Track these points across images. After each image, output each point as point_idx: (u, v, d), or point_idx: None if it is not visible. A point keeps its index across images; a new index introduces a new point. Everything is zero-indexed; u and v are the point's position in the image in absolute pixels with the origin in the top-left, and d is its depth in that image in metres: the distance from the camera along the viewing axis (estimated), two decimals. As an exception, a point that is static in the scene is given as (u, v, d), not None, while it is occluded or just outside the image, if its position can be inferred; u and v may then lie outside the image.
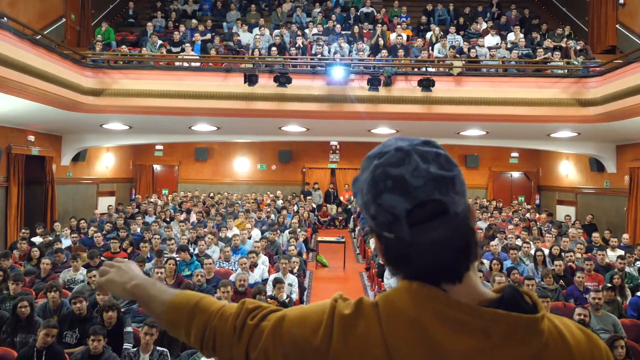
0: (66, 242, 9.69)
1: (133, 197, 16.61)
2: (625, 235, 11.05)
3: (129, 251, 9.23)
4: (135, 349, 5.10)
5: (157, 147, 17.91)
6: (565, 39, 13.12)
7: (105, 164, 15.10)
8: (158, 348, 5.07)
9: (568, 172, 16.42)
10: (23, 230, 9.96)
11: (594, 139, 12.82)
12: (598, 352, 0.93)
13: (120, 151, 16.08)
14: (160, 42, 12.21)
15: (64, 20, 12.42)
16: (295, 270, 8.51)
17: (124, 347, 5.42)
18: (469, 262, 0.93)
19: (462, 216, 0.91)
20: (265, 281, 8.05)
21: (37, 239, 9.60)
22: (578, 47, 12.78)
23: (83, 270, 7.60)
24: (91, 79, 10.16)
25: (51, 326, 4.84)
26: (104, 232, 10.47)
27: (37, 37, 8.91)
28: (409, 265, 0.93)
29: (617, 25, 13.51)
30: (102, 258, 8.04)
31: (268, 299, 6.59)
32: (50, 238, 9.75)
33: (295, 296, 7.91)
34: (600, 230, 11.95)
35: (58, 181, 12.27)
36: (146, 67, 10.96)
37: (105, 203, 14.46)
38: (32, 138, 11.14)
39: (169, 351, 5.14)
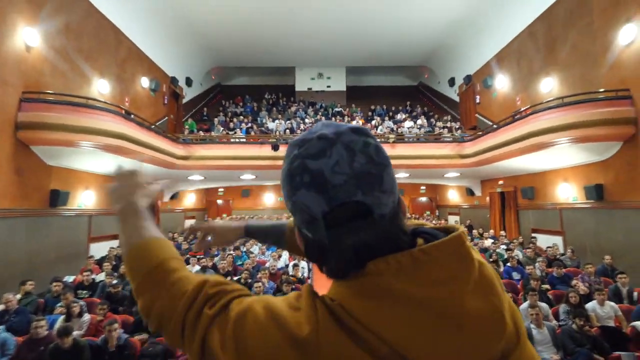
0: (167, 246, 8.98)
1: (206, 219, 15.90)
2: (491, 231, 10.84)
3: (202, 250, 8.55)
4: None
5: (220, 189, 17.38)
6: (449, 122, 13.03)
7: (189, 200, 14.53)
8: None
9: (454, 196, 16.13)
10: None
11: (469, 177, 12.62)
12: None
13: (197, 192, 15.50)
14: (222, 128, 11.85)
15: (166, 118, 11.98)
16: (305, 259, 7.91)
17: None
18: None
19: (390, 216, 0.48)
20: (287, 266, 7.44)
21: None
22: (457, 126, 12.73)
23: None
24: (182, 150, 9.99)
25: None
26: (188, 240, 9.82)
27: (152, 127, 8.49)
28: (330, 266, 0.50)
29: (476, 114, 13.47)
30: (187, 256, 7.39)
31: (290, 277, 5.97)
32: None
33: (306, 274, 7.32)
34: (476, 229, 11.51)
35: (162, 211, 11.71)
36: (214, 142, 10.66)
37: (188, 223, 13.75)
38: (147, 186, 10.56)
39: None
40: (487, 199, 12.37)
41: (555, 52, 8.91)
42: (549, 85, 9.13)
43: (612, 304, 4.43)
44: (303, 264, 7.61)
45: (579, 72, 8.11)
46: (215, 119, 13.47)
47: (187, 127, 12.26)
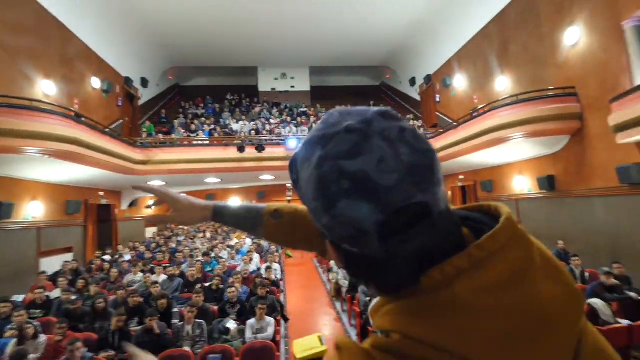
0: (127, 257, 8.54)
1: (168, 226, 15.21)
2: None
3: (168, 258, 8.22)
4: (181, 323, 4.27)
5: (182, 194, 16.70)
6: (412, 121, 13.45)
7: (150, 207, 13.81)
8: (197, 320, 4.26)
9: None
10: (97, 252, 8.83)
11: (432, 173, 13.03)
12: None
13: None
14: (182, 130, 11.42)
15: (121, 121, 11.37)
16: (277, 260, 7.80)
17: (172, 322, 4.55)
18: None
19: (446, 211, 0.41)
20: (259, 269, 7.29)
21: (107, 257, 8.43)
22: (419, 124, 13.08)
23: (140, 274, 6.58)
24: (140, 154, 9.53)
25: (121, 314, 4.03)
26: (151, 249, 9.36)
27: (106, 130, 8.01)
28: (382, 282, 0.42)
29: (437, 113, 13.98)
30: (151, 265, 7.06)
31: (264, 279, 5.85)
32: (117, 255, 8.55)
33: (279, 275, 7.24)
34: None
35: (120, 219, 11.32)
36: (175, 145, 10.27)
37: (150, 231, 13.17)
38: (102, 193, 10.02)
39: (204, 322, 4.32)
40: (450, 193, 12.85)
41: (508, 52, 9.44)
42: (504, 84, 9.66)
43: (571, 286, 4.75)
44: (276, 266, 7.51)
45: (530, 71, 8.64)
46: (175, 121, 12.95)
47: (144, 130, 11.68)
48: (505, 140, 7.76)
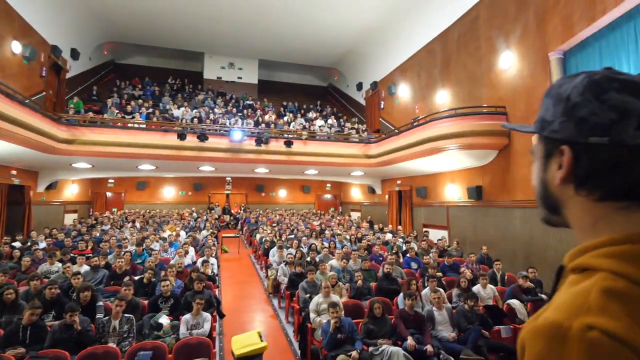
0: (42, 245, 7.66)
1: (91, 213, 13.93)
2: (390, 226, 11.76)
3: (90, 248, 7.51)
4: (106, 318, 3.92)
5: (109, 180, 15.41)
6: (357, 124, 13.84)
7: (71, 191, 12.64)
8: (125, 315, 3.96)
9: (356, 194, 17.19)
10: (5, 238, 7.68)
11: (372, 176, 13.58)
12: None
13: (82, 182, 13.51)
14: (117, 111, 10.55)
15: (44, 93, 10.14)
16: (213, 255, 7.51)
17: (96, 317, 4.16)
18: None
19: None
20: (194, 263, 6.98)
21: (16, 244, 7.46)
22: (363, 128, 13.57)
23: (58, 264, 5.93)
24: (65, 132, 8.72)
25: (36, 307, 3.65)
26: (71, 237, 8.46)
27: (26, 101, 7.12)
28: (611, 178, 0.46)
29: (380, 119, 14.56)
30: (72, 255, 6.40)
31: (200, 273, 5.59)
32: (29, 242, 7.59)
33: (216, 270, 7.00)
34: (376, 224, 12.44)
35: (34, 203, 10.03)
36: (108, 126, 9.55)
37: (70, 218, 11.97)
38: (14, 172, 8.85)
39: (133, 317, 4.02)
40: (387, 197, 13.48)
41: (450, 69, 10.15)
42: (443, 97, 10.37)
43: (492, 286, 5.25)
44: (213, 260, 7.23)
45: (467, 88, 9.39)
46: (109, 100, 11.82)
47: (71, 106, 10.48)
48: (442, 150, 8.34)
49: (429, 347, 3.74)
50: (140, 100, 12.65)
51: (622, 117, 0.45)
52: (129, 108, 11.26)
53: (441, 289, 4.77)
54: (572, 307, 0.39)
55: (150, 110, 11.92)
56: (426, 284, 5.03)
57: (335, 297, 4.64)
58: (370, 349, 3.78)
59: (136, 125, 10.07)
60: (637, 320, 0.36)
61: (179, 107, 12.41)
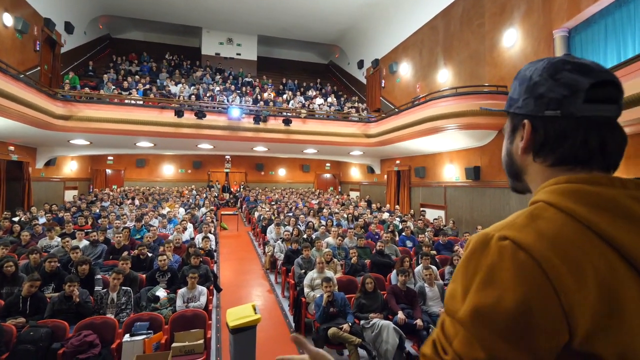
0: (41, 220, 7.75)
1: (91, 190, 14.01)
2: (387, 205, 11.85)
3: (90, 224, 7.59)
4: (104, 290, 4.01)
5: (109, 157, 15.43)
6: (357, 103, 13.71)
7: (70, 168, 12.67)
8: (123, 287, 4.05)
9: (355, 174, 17.21)
10: (5, 213, 7.77)
11: (371, 156, 13.57)
12: None
13: (81, 159, 13.52)
14: (113, 87, 10.43)
15: (38, 68, 10.00)
16: (212, 231, 7.61)
17: (95, 289, 4.26)
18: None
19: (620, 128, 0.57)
20: (192, 239, 7.08)
21: (16, 219, 7.52)
22: (363, 107, 13.41)
23: (58, 239, 6.02)
24: (61, 108, 8.70)
25: (35, 279, 3.73)
26: (71, 213, 8.54)
27: (20, 76, 7.05)
28: (561, 146, 0.55)
29: (381, 97, 14.40)
30: (73, 229, 6.48)
31: (198, 249, 5.69)
32: (29, 217, 7.67)
33: (214, 246, 7.11)
34: (374, 203, 12.51)
35: (33, 179, 10.12)
36: (104, 102, 9.43)
37: (70, 194, 12.04)
38: (12, 148, 8.85)
39: (131, 289, 4.11)
40: (385, 176, 13.51)
41: (452, 47, 9.95)
42: (445, 76, 10.21)
43: (484, 264, 5.34)
44: (211, 237, 7.32)
45: (469, 67, 9.23)
46: (105, 76, 11.67)
47: (67, 81, 10.36)
48: (442, 129, 8.29)
49: (418, 322, 3.84)
50: (137, 76, 12.48)
51: (572, 92, 0.53)
52: (125, 84, 11.13)
53: (433, 266, 4.85)
54: (502, 224, 0.51)
55: (148, 86, 11.77)
56: (420, 262, 5.12)
57: (329, 273, 4.74)
58: (362, 322, 3.89)
59: (133, 102, 10.00)
60: (546, 236, 0.46)
61: (176, 84, 12.25)
